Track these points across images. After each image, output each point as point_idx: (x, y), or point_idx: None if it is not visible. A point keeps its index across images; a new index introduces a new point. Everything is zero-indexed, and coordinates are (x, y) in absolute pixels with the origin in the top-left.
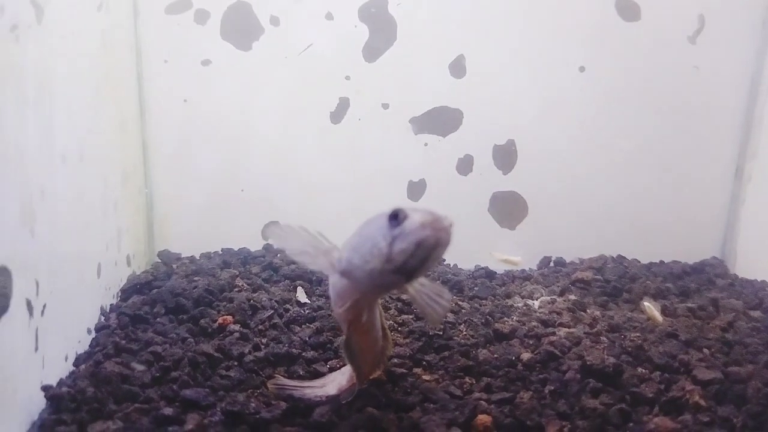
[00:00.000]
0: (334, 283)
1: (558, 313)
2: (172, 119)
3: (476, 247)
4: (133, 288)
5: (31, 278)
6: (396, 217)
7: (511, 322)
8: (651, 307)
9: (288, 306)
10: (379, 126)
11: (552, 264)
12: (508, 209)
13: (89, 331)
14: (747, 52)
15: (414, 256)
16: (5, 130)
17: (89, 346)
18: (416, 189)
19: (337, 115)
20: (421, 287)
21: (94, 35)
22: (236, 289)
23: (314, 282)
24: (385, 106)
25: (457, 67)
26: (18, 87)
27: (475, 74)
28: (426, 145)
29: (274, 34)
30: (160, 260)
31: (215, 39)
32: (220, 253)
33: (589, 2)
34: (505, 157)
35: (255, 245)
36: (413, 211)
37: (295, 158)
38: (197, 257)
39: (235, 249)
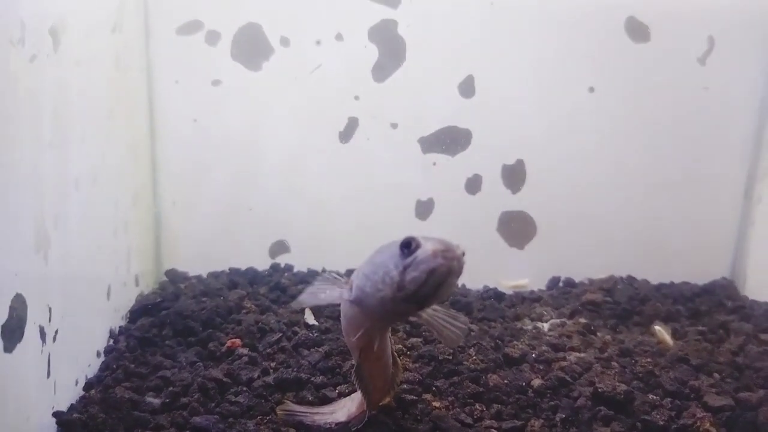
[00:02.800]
0: (345, 311)
1: (568, 337)
2: (182, 139)
3: (485, 267)
4: (142, 309)
5: (44, 304)
6: (408, 246)
7: (521, 346)
8: (662, 331)
9: (296, 328)
10: (388, 145)
11: (561, 284)
12: (517, 229)
13: (98, 354)
14: (756, 74)
15: (426, 284)
16: (22, 158)
17: (99, 369)
18: (424, 208)
19: (346, 135)
20: (434, 312)
21: (108, 59)
22: (244, 311)
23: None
24: (394, 125)
25: (467, 88)
26: (35, 115)
27: (485, 94)
28: (434, 164)
29: (284, 55)
30: (167, 279)
31: (226, 59)
32: (228, 272)
33: (598, 23)
34: (514, 176)
35: (262, 264)
36: (425, 240)
37: (304, 177)
38: (204, 276)
39: (243, 268)
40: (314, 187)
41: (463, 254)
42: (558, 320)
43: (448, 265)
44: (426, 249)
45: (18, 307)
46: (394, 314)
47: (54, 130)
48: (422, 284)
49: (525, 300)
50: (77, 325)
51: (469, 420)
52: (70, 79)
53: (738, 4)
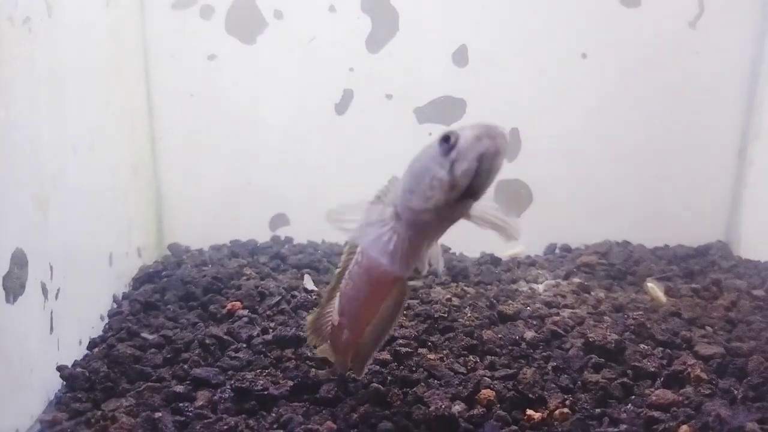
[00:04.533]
0: (385, 243)
1: (562, 296)
2: (179, 113)
3: (482, 235)
4: (145, 277)
5: (45, 262)
6: (447, 140)
7: (515, 305)
8: (655, 288)
9: (295, 293)
10: (384, 116)
11: (557, 250)
12: (513, 197)
13: (102, 318)
14: (747, 36)
15: (479, 173)
16: (18, 120)
17: (102, 331)
18: None
19: (341, 107)
20: (485, 209)
21: (103, 30)
22: (244, 278)
23: (321, 270)
24: (389, 96)
25: (460, 57)
26: (30, 78)
27: (478, 63)
28: (430, 134)
29: (278, 28)
30: (169, 252)
31: (221, 34)
32: (229, 244)
33: None
34: (510, 145)
35: (263, 236)
36: (463, 129)
37: (301, 149)
38: (206, 249)
39: (243, 240)
40: (312, 160)
41: (504, 132)
42: (553, 281)
43: (495, 144)
44: (468, 136)
45: (18, 261)
46: (448, 219)
47: (49, 93)
48: (475, 174)
49: (521, 264)
50: (80, 288)
51: (462, 369)
52: (66, 45)
53: None
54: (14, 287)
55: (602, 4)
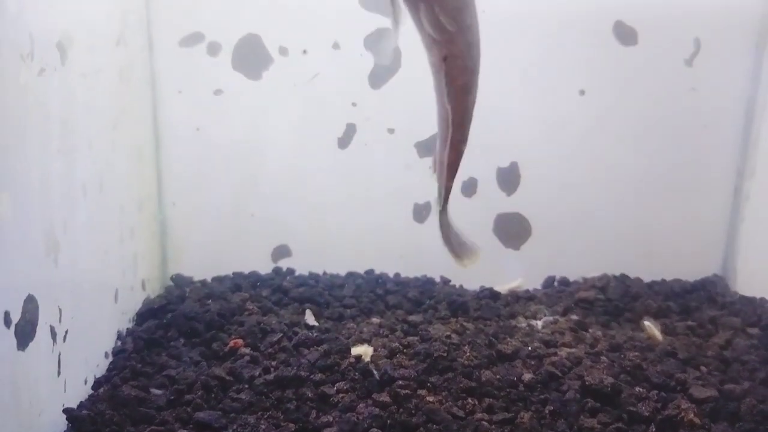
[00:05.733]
0: None
1: (561, 333)
2: (185, 147)
3: (482, 268)
4: (149, 312)
5: (54, 306)
6: None
7: (514, 343)
8: (651, 326)
9: (296, 329)
10: (386, 150)
11: (556, 283)
12: (513, 230)
13: (107, 355)
14: (742, 74)
15: None
16: (32, 166)
17: (107, 369)
18: (422, 211)
19: (344, 141)
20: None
21: (113, 70)
22: (246, 313)
23: (322, 305)
24: (391, 131)
25: None
26: (43, 125)
27: (478, 100)
28: (430, 167)
29: (283, 64)
30: (173, 283)
31: (227, 69)
32: (231, 276)
33: (587, 28)
34: (509, 179)
35: (265, 267)
36: None
37: (304, 182)
38: (209, 280)
39: (246, 272)
40: (314, 192)
41: None
42: (551, 318)
43: None
44: None
45: (30, 308)
46: None
47: (61, 140)
48: None
49: (520, 299)
50: (86, 327)
51: (461, 413)
52: (77, 91)
53: (722, 7)
54: (25, 334)
55: (600, 42)
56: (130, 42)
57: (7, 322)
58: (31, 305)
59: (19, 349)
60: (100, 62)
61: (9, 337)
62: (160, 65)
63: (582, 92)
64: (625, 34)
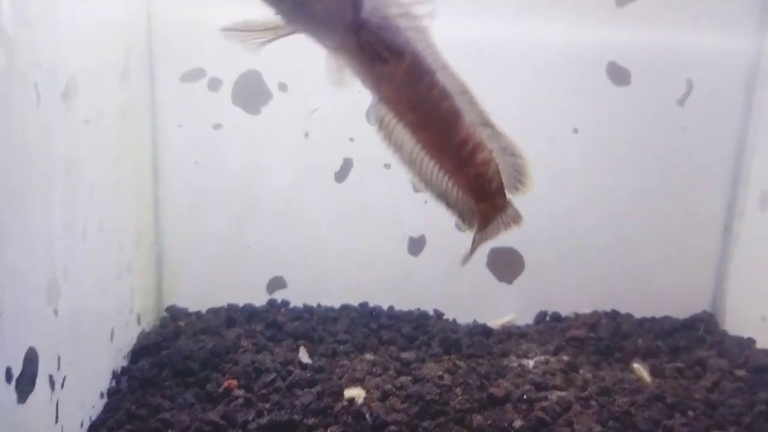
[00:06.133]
0: None
1: (551, 374)
2: (183, 179)
3: (477, 301)
4: (143, 349)
5: (53, 354)
6: None
7: (505, 384)
8: (641, 369)
9: (290, 368)
10: (382, 185)
11: (548, 318)
12: (506, 264)
13: (102, 396)
14: (732, 115)
15: None
16: (36, 215)
17: (102, 411)
18: (417, 244)
19: (341, 175)
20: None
21: (115, 110)
22: (241, 350)
23: (316, 341)
24: (387, 166)
25: None
26: (47, 173)
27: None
28: (426, 202)
29: (282, 99)
30: (167, 314)
31: (227, 104)
32: (226, 308)
33: (581, 68)
34: None
35: (260, 299)
36: None
37: (301, 215)
38: (204, 312)
39: (241, 304)
40: (310, 225)
41: None
42: (542, 357)
43: None
44: None
45: (30, 361)
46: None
47: (65, 187)
48: None
49: (512, 336)
50: (83, 370)
51: None
52: (81, 136)
53: (714, 50)
54: (25, 387)
55: (594, 82)
56: (132, 78)
57: (9, 377)
58: (31, 358)
59: (19, 403)
60: (103, 103)
61: (10, 392)
62: (161, 99)
63: (575, 130)
64: (619, 75)
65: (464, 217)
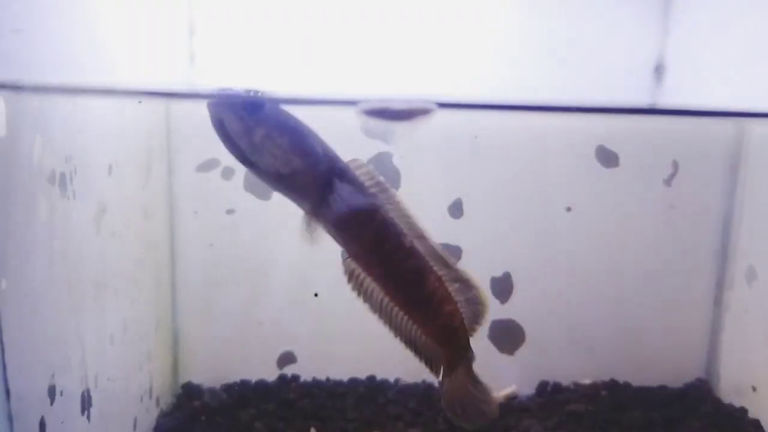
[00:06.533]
0: None
1: None
2: (198, 262)
3: (478, 371)
4: None
5: None
6: None
7: None
8: None
9: None
10: None
11: (549, 389)
12: (507, 336)
13: None
14: (718, 193)
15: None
16: (70, 332)
17: None
18: None
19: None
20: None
21: (138, 213)
22: None
23: (326, 419)
24: None
25: (456, 210)
26: (80, 287)
27: (472, 215)
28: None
29: None
30: (182, 391)
31: (239, 191)
32: (239, 383)
33: (573, 152)
34: (502, 288)
35: (271, 374)
36: None
37: (309, 292)
38: (218, 388)
39: (253, 381)
40: (319, 303)
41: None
42: None
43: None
44: None
45: None
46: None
47: (94, 299)
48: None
49: (513, 410)
50: None
51: None
52: (108, 249)
53: (698, 132)
54: None
55: (584, 165)
56: (153, 174)
57: None
58: None
59: None
60: (129, 211)
61: None
62: (178, 190)
63: (569, 209)
64: (607, 157)
65: (431, 363)
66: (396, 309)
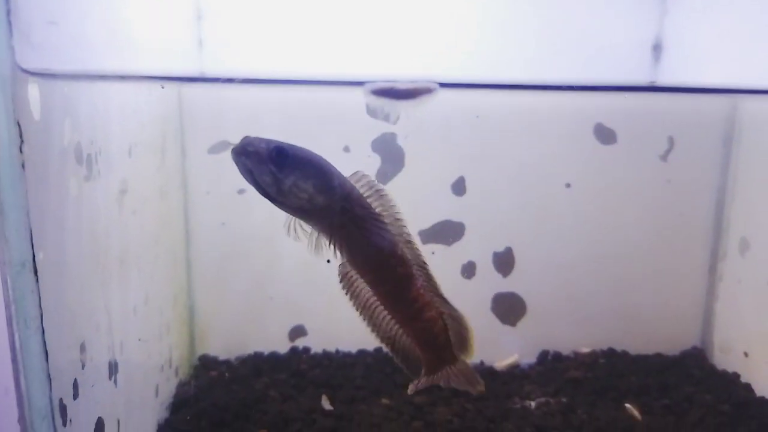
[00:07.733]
0: None
1: (552, 415)
2: (211, 241)
3: (481, 344)
4: (181, 402)
5: (114, 420)
6: None
7: (510, 427)
8: (631, 408)
9: (314, 416)
10: None
11: (550, 358)
12: (509, 308)
13: None
14: (712, 167)
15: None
16: (99, 303)
17: None
18: None
19: None
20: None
21: (155, 193)
22: (269, 400)
23: (336, 387)
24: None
25: (459, 187)
26: (107, 263)
27: (475, 192)
28: (433, 253)
29: None
30: (199, 363)
31: None
32: (253, 355)
33: (572, 130)
34: (504, 262)
35: (283, 347)
36: None
37: (318, 268)
38: (233, 360)
39: (266, 353)
40: (326, 277)
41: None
42: (543, 399)
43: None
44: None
45: (99, 429)
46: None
47: (119, 274)
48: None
49: (516, 377)
50: (136, 427)
51: None
52: (130, 226)
53: (693, 109)
54: None
55: (583, 142)
56: (168, 156)
57: None
58: (99, 427)
59: None
60: (147, 191)
61: None
62: (190, 171)
63: (568, 185)
64: (605, 135)
65: (408, 364)
66: (381, 309)
